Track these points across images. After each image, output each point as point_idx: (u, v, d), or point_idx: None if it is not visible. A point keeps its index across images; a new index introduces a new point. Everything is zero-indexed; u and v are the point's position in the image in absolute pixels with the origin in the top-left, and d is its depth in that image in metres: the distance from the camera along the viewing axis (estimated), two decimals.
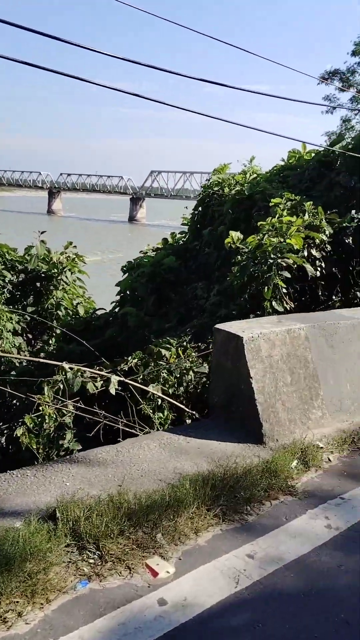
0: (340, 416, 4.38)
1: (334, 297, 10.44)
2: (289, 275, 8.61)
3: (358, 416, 4.49)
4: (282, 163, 11.24)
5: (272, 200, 9.30)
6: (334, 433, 4.22)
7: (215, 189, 11.55)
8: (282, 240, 8.03)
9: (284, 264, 8.48)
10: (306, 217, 8.47)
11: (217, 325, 4.18)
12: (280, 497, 3.37)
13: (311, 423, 4.16)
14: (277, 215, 8.43)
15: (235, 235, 8.66)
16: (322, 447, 4.01)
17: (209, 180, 12.14)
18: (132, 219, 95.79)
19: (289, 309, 9.48)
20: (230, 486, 3.27)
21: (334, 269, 10.31)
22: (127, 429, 7.01)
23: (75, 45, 5.03)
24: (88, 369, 8.05)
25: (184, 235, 12.56)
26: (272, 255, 8.18)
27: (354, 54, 36.84)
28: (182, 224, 12.91)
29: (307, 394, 4.21)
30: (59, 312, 12.27)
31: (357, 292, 9.65)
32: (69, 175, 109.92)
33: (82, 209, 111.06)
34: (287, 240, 7.81)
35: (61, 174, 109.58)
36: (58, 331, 11.87)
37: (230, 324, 4.22)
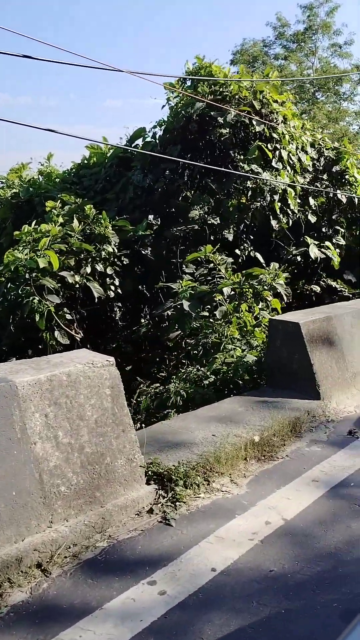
0: None
1: (142, 320, 8.77)
2: (57, 300, 6.76)
3: (7, 546, 2.63)
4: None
5: (47, 204, 7.41)
6: None
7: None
8: (36, 255, 6.14)
9: (51, 286, 6.61)
10: (75, 224, 6.63)
11: None
12: None
13: None
14: (34, 224, 6.56)
15: None
16: None
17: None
18: None
19: (79, 339, 7.66)
20: None
21: (140, 286, 8.67)
22: None
23: None
24: None
25: None
26: (26, 276, 6.26)
27: (232, 63, 36.50)
28: None
29: None
30: None
31: (168, 312, 8.00)
32: None
33: None
34: (31, 256, 5.92)
35: None
36: None
37: None
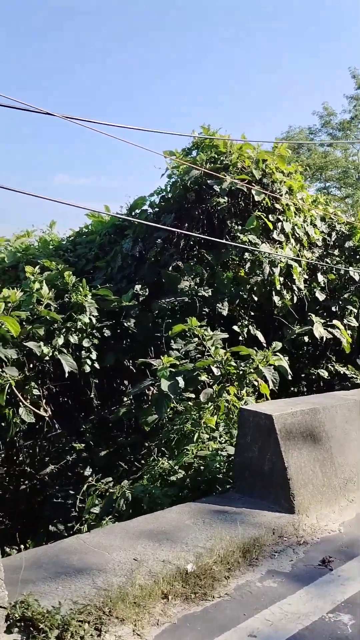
0: None
1: (124, 398, 7.99)
2: (15, 374, 6.13)
3: None
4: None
5: (26, 269, 6.99)
6: None
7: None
8: None
9: (9, 356, 6.01)
10: (45, 290, 6.13)
11: None
12: None
13: None
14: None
15: None
16: None
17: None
18: None
19: (47, 417, 6.95)
20: None
21: (126, 361, 7.97)
22: None
23: None
24: None
25: None
26: None
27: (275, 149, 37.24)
28: None
29: None
30: None
31: (153, 388, 7.25)
32: None
33: None
34: None
35: None
36: None
37: None
